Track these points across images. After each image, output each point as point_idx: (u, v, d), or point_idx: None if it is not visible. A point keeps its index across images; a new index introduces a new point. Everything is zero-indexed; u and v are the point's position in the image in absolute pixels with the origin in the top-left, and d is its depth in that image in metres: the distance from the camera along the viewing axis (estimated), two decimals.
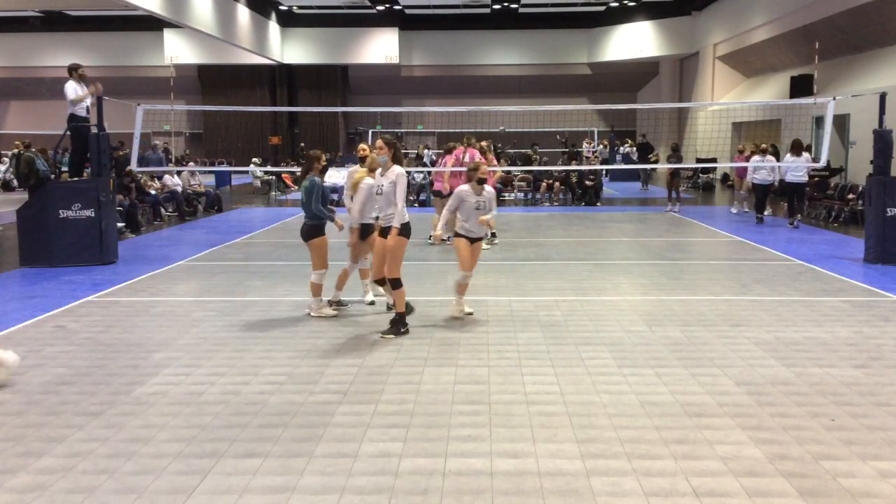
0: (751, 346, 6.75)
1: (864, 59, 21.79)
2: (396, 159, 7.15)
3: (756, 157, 17.15)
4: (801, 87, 22.52)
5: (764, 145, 17.52)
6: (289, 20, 37.00)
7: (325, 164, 8.04)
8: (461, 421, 4.98)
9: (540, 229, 15.03)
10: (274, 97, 39.21)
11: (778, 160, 18.34)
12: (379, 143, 7.12)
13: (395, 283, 7.13)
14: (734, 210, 18.47)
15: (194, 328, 7.49)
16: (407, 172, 8.06)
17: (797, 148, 15.72)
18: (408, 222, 7.13)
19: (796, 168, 15.56)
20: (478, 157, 12.41)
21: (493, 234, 13.00)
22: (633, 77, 38.88)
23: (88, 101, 11.71)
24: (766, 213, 16.66)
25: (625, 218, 17.38)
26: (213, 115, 38.32)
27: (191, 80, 37.98)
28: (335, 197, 21.52)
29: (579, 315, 7.97)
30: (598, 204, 20.72)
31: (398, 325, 7.16)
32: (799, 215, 15.87)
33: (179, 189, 18.82)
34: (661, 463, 4.34)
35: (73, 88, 11.51)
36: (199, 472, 4.25)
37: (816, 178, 17.86)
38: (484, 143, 13.58)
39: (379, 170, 7.23)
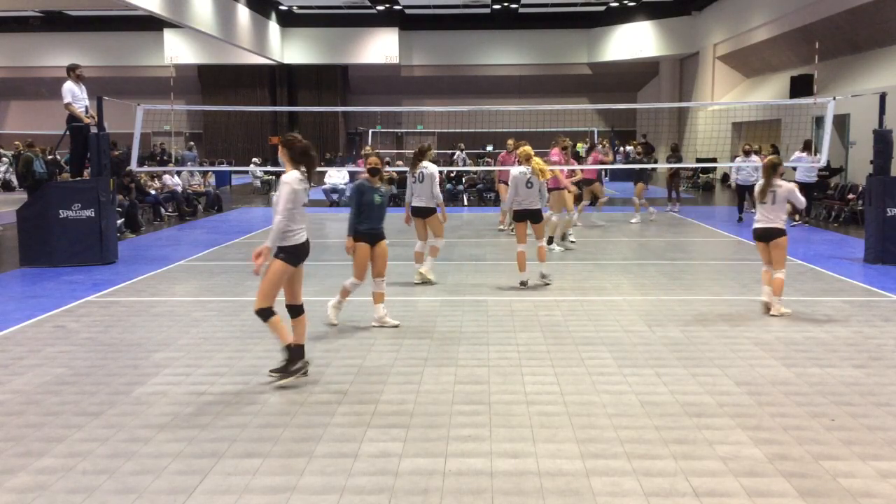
0: (751, 346, 6.75)
1: (864, 59, 21.78)
2: (293, 161, 5.74)
3: (739, 158, 17.19)
4: (801, 87, 22.52)
5: (747, 146, 17.47)
6: (289, 20, 37.01)
7: (373, 166, 7.45)
8: (461, 421, 4.98)
9: None
10: (274, 97, 39.23)
11: None
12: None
13: (264, 314, 5.68)
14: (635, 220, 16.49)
15: (194, 328, 7.49)
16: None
17: (809, 147, 15.80)
18: (295, 245, 5.70)
19: (807, 169, 15.57)
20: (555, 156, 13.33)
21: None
22: (633, 77, 38.89)
23: (86, 102, 11.70)
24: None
25: (625, 218, 17.37)
26: (213, 115, 38.35)
27: (191, 80, 37.99)
28: (335, 197, 21.56)
29: (579, 315, 7.97)
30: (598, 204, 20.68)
31: (290, 365, 5.74)
32: (797, 216, 15.91)
33: (179, 189, 18.83)
34: (661, 463, 4.34)
35: (69, 90, 11.49)
36: (199, 472, 4.25)
37: (817, 178, 17.88)
38: (568, 141, 14.05)
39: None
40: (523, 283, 9.34)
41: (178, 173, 19.86)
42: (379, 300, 7.48)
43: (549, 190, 12.57)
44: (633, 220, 16.42)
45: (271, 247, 5.60)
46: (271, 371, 5.91)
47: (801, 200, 8.10)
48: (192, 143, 27.41)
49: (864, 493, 3.97)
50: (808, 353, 6.53)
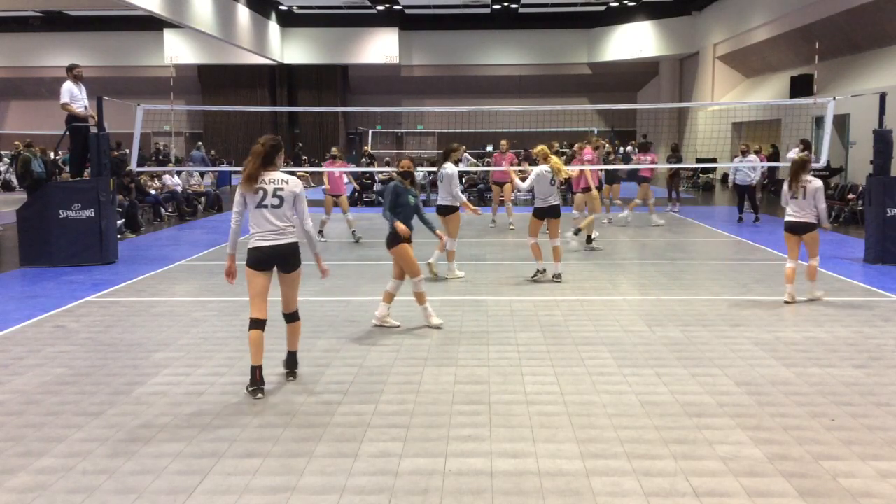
0: (751, 346, 6.75)
1: (864, 59, 21.78)
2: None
3: (737, 158, 17.18)
4: (801, 87, 22.52)
5: (744, 146, 17.41)
6: (289, 20, 37.00)
7: (406, 169, 7.61)
8: (461, 421, 4.98)
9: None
10: (274, 97, 39.19)
11: (779, 160, 18.34)
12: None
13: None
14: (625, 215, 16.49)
15: (194, 328, 7.49)
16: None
17: (809, 147, 15.85)
18: (251, 248, 5.76)
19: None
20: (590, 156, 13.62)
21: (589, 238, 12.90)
22: (633, 77, 38.87)
23: (85, 102, 11.70)
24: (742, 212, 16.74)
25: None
26: (213, 115, 38.28)
27: (191, 80, 37.97)
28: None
29: (579, 315, 7.97)
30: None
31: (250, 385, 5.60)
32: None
33: (179, 189, 18.83)
34: (661, 463, 4.34)
35: (67, 90, 11.48)
36: (199, 472, 4.25)
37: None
38: (601, 140, 14.40)
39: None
40: (540, 272, 9.76)
41: (178, 173, 19.87)
42: (388, 300, 7.48)
43: (583, 190, 12.70)
44: (623, 215, 16.43)
45: (228, 251, 5.81)
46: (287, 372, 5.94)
47: (823, 206, 8.43)
48: (200, 142, 27.59)
49: (864, 493, 3.97)
50: (808, 353, 6.53)
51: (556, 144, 13.97)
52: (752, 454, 4.45)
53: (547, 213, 9.71)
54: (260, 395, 5.48)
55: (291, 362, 5.97)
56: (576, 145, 15.58)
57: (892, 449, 4.53)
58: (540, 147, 9.93)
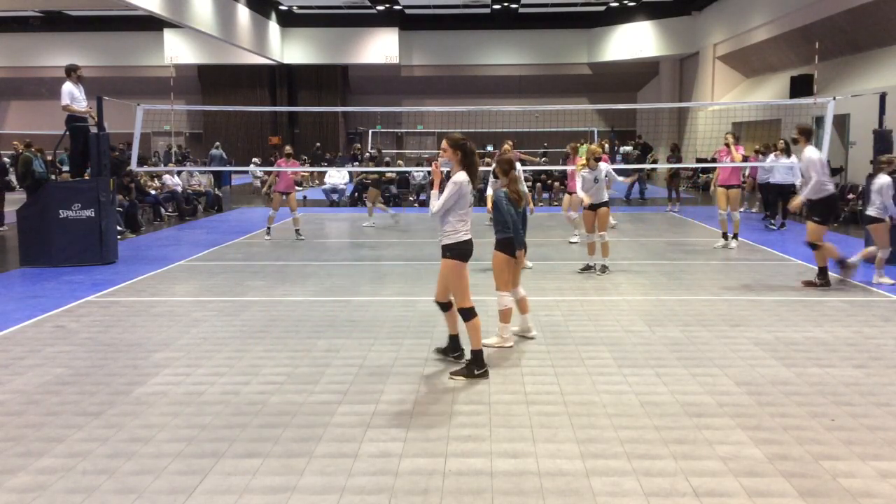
0: (751, 346, 6.75)
1: (864, 59, 21.78)
2: (461, 164, 6.01)
3: (771, 157, 16.86)
4: (801, 87, 22.50)
5: (782, 144, 16.82)
6: (289, 20, 37.00)
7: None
8: (461, 421, 4.98)
9: (540, 229, 15.03)
10: (274, 97, 39.19)
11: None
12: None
13: (462, 314, 6.10)
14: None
15: (194, 328, 7.49)
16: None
17: (788, 149, 15.75)
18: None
19: (785, 170, 15.54)
20: (741, 151, 13.41)
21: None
22: (633, 77, 38.87)
23: (85, 103, 11.69)
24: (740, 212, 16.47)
25: (625, 218, 17.37)
26: (213, 115, 38.28)
27: (191, 80, 37.96)
28: (335, 197, 21.56)
29: (579, 315, 7.97)
30: None
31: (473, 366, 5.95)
32: (778, 216, 15.98)
33: (179, 189, 18.83)
34: (661, 463, 4.34)
35: (68, 92, 11.47)
36: (199, 472, 4.25)
37: (801, 180, 17.47)
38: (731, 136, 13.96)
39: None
40: (588, 267, 10.50)
41: (178, 173, 19.88)
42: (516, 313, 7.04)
43: (734, 186, 12.78)
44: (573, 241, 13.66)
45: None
46: (451, 374, 5.93)
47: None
48: (217, 142, 27.87)
49: (864, 493, 3.97)
50: (808, 353, 6.53)
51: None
52: (752, 454, 4.45)
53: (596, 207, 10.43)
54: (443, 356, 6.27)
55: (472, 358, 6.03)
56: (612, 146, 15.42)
57: (892, 449, 4.53)
58: (594, 147, 10.76)
